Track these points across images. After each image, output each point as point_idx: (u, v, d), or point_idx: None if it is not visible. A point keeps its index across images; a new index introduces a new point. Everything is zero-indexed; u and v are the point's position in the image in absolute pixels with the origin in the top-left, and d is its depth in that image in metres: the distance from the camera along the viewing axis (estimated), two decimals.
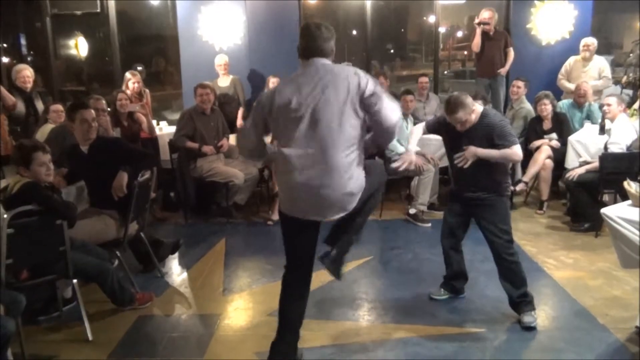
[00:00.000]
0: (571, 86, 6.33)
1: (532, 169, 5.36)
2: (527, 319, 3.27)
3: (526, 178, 5.32)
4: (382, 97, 2.51)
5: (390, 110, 2.52)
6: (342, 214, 2.63)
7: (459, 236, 3.61)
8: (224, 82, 6.63)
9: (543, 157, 5.38)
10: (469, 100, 3.26)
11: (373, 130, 2.64)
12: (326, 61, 2.60)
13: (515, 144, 3.25)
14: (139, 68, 7.03)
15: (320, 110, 2.48)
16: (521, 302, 3.33)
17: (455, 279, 3.69)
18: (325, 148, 2.49)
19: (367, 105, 2.51)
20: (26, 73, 5.49)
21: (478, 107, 3.35)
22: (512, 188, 5.15)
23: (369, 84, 2.51)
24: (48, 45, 7.77)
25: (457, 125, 3.31)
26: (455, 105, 3.24)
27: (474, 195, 3.37)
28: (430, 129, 3.67)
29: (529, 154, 5.80)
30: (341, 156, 2.51)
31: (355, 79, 2.51)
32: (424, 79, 6.73)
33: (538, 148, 5.50)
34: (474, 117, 3.29)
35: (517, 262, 3.35)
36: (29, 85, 5.52)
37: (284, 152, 2.56)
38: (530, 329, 3.24)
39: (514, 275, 3.33)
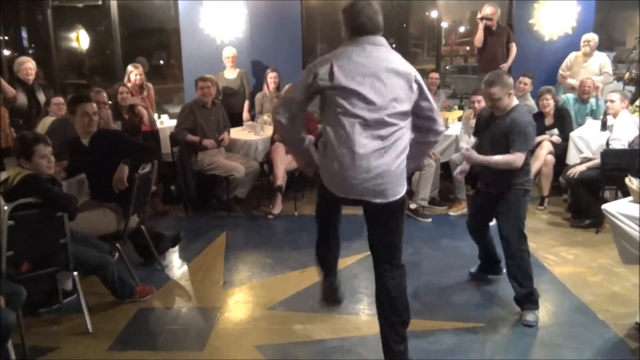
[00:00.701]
0: (571, 81, 6.31)
1: (535, 165, 5.34)
2: (529, 317, 3.28)
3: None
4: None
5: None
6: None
7: (482, 221, 3.68)
8: (230, 74, 6.62)
9: (544, 153, 5.37)
10: (509, 80, 3.26)
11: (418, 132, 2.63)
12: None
13: (520, 152, 3.23)
14: (141, 59, 7.00)
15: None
16: (527, 300, 3.33)
17: (487, 260, 3.78)
18: None
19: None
20: (28, 65, 5.49)
21: (515, 100, 3.33)
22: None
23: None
24: (49, 38, 7.76)
25: (487, 101, 3.31)
26: (495, 78, 3.23)
27: (490, 190, 3.46)
28: (475, 133, 3.70)
29: (532, 150, 5.79)
30: None
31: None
32: (435, 75, 6.67)
33: (539, 144, 5.49)
34: (505, 102, 3.25)
35: (527, 260, 3.35)
36: (31, 78, 5.52)
37: None
38: (530, 327, 3.24)
39: (523, 273, 3.33)
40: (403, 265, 2.73)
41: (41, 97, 5.55)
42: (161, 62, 9.80)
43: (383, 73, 2.44)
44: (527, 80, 6.01)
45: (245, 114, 6.60)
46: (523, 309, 3.34)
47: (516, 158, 3.23)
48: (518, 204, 3.37)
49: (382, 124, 2.44)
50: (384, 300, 2.71)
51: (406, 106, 2.49)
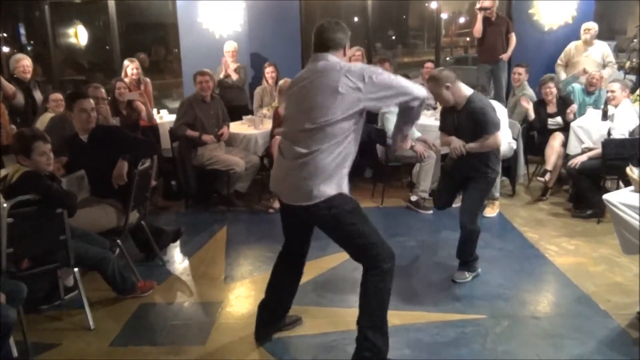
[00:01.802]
0: (563, 76, 6.31)
1: (552, 157, 5.32)
2: (457, 274, 3.73)
3: (549, 166, 5.31)
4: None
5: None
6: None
7: (447, 202, 3.98)
8: (222, 69, 6.58)
9: (558, 144, 5.35)
10: (446, 75, 3.51)
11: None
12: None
13: (494, 133, 3.52)
14: (141, 55, 6.98)
15: None
16: (465, 263, 3.75)
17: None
18: None
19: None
20: (25, 63, 5.45)
21: (465, 91, 3.56)
22: (541, 179, 5.25)
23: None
24: (47, 34, 7.74)
25: (438, 100, 3.65)
26: (429, 77, 3.59)
27: (463, 175, 3.73)
28: (441, 127, 3.90)
29: (534, 139, 5.78)
30: None
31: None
32: (430, 65, 6.69)
33: (552, 134, 5.45)
34: (454, 96, 3.53)
35: (477, 236, 3.68)
36: (29, 75, 5.49)
37: None
38: (457, 284, 3.67)
39: (471, 245, 3.70)
40: (379, 268, 2.65)
41: (37, 95, 5.52)
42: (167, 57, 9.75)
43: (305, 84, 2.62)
44: (521, 70, 5.99)
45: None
46: (459, 269, 3.75)
47: (495, 139, 3.54)
48: (487, 189, 3.75)
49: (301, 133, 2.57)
50: (359, 301, 2.73)
51: (331, 114, 2.49)
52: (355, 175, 4.99)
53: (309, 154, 2.53)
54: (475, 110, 3.50)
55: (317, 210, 2.56)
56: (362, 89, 2.48)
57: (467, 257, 3.74)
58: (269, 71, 6.43)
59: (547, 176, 5.28)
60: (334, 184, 2.55)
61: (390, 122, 5.28)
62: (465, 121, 3.56)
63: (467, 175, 3.69)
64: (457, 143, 3.63)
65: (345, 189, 2.61)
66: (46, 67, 8.03)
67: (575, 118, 5.47)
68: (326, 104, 2.48)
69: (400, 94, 2.56)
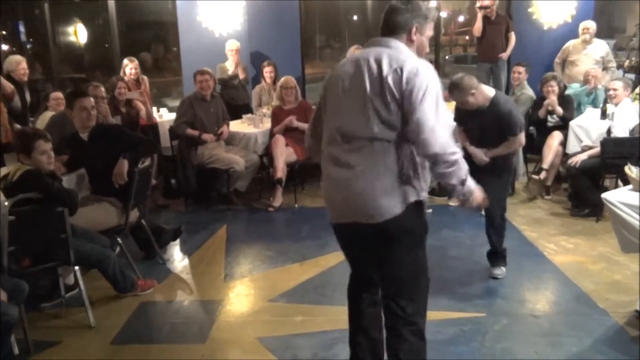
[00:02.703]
0: (560, 74, 6.33)
1: (550, 156, 5.33)
2: (496, 271, 3.74)
3: (545, 165, 5.32)
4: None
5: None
6: None
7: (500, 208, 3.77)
8: (232, 66, 6.59)
9: (556, 143, 5.36)
10: (468, 82, 3.45)
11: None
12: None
13: (520, 134, 3.53)
14: (144, 54, 6.97)
15: None
16: (499, 257, 3.76)
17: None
18: None
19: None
20: (24, 65, 5.40)
21: (488, 92, 3.52)
22: (535, 177, 5.27)
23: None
24: (47, 32, 7.75)
25: (463, 104, 3.52)
26: (452, 87, 3.50)
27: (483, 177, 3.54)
28: (457, 120, 3.85)
29: (534, 138, 5.79)
30: None
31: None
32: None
33: (550, 133, 5.46)
34: (479, 100, 3.49)
35: (504, 227, 3.73)
36: (26, 78, 5.44)
37: None
38: (496, 279, 3.69)
39: (500, 237, 3.72)
40: (420, 332, 2.25)
41: (28, 97, 5.49)
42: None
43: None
44: (521, 69, 5.99)
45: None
46: (493, 265, 3.76)
47: (519, 140, 3.57)
48: (508, 180, 3.83)
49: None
50: None
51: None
52: None
53: None
54: (502, 113, 3.47)
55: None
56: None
57: (500, 248, 3.75)
58: (267, 71, 6.44)
59: (543, 174, 5.29)
60: None
61: None
62: (491, 123, 3.52)
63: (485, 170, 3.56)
64: (479, 156, 3.60)
65: None
66: (45, 65, 8.03)
67: (570, 112, 5.49)
68: None
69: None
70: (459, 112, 3.81)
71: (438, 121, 1.99)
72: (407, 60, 2.05)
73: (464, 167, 2.07)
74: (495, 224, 3.66)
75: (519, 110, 3.60)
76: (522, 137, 3.57)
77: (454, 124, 3.88)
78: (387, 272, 2.26)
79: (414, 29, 2.16)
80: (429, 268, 2.30)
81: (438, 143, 1.98)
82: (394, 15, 2.17)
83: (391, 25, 2.18)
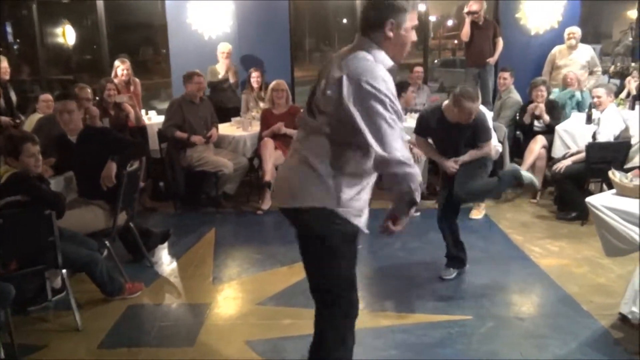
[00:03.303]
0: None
1: (529, 159, 5.40)
2: (445, 272, 3.83)
3: (524, 168, 5.36)
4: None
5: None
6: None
7: (453, 216, 3.89)
8: (222, 69, 6.58)
9: (538, 147, 5.42)
10: (476, 91, 3.60)
11: None
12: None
13: (490, 139, 3.72)
14: (144, 48, 6.94)
15: None
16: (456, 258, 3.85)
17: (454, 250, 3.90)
18: None
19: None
20: (5, 64, 5.38)
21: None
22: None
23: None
24: (35, 33, 7.68)
25: (466, 115, 3.54)
26: (470, 95, 3.48)
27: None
28: (422, 133, 3.88)
29: (520, 142, 5.85)
30: None
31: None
32: (419, 69, 6.73)
33: (534, 137, 5.52)
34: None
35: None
36: (7, 77, 5.42)
37: None
38: (443, 284, 3.74)
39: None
40: (338, 328, 2.32)
41: (13, 97, 5.45)
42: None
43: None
44: (506, 74, 6.05)
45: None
46: (447, 265, 3.84)
47: (489, 146, 3.77)
48: (485, 170, 3.84)
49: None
50: None
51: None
52: None
53: None
54: (479, 123, 3.60)
55: None
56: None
57: (458, 252, 3.82)
58: (254, 76, 6.46)
59: None
60: None
61: None
62: (464, 131, 3.64)
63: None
64: (448, 164, 3.72)
65: None
66: (33, 66, 7.97)
67: (556, 117, 5.55)
68: None
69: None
70: (425, 123, 3.80)
71: (388, 144, 1.94)
72: (356, 68, 1.98)
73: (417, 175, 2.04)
74: (456, 201, 3.74)
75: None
76: (491, 144, 3.74)
77: (408, 137, 3.95)
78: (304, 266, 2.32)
79: (388, 25, 2.05)
80: (354, 282, 2.30)
81: (381, 165, 2.00)
82: (366, 11, 2.10)
83: (365, 23, 2.09)
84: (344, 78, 1.95)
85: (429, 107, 4.03)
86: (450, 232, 3.85)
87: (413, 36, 2.13)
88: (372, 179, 2.20)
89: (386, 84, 1.96)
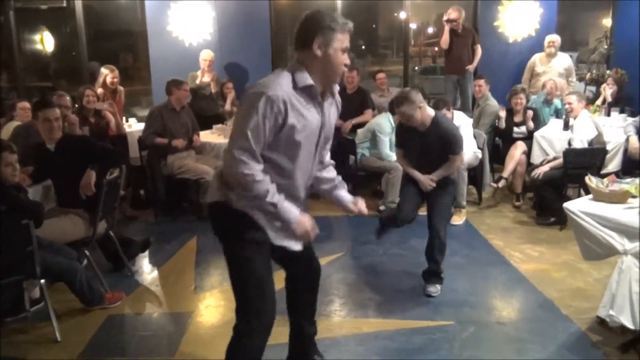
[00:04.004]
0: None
1: (510, 165, 5.46)
2: (431, 289, 3.69)
3: (505, 174, 5.44)
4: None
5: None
6: None
7: (414, 212, 3.90)
8: (205, 77, 6.55)
9: (519, 153, 5.49)
10: (415, 97, 3.51)
11: None
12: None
13: (461, 152, 3.66)
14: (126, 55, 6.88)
15: None
16: (434, 275, 3.73)
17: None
18: None
19: None
20: None
21: (430, 111, 3.62)
22: (493, 185, 5.37)
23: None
24: (12, 40, 7.58)
25: (403, 119, 3.59)
26: (400, 99, 3.53)
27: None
28: (400, 145, 3.94)
29: (500, 148, 5.93)
30: None
31: None
32: (381, 75, 6.89)
33: (514, 143, 5.58)
34: (424, 116, 3.57)
35: (445, 244, 3.69)
36: None
37: None
38: (431, 297, 3.65)
39: (441, 254, 3.68)
40: (237, 330, 2.39)
41: None
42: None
43: None
44: (481, 82, 6.13)
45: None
46: (427, 282, 3.72)
47: (460, 158, 3.72)
48: (453, 192, 3.88)
49: None
50: None
51: None
52: None
53: None
54: (444, 132, 3.58)
55: None
56: None
57: (438, 267, 3.71)
58: (228, 87, 6.47)
59: (502, 183, 5.41)
60: None
61: (382, 142, 5.34)
62: (434, 143, 3.62)
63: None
64: (425, 182, 3.71)
65: None
66: (10, 73, 7.86)
67: (535, 124, 5.63)
68: None
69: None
70: (401, 135, 3.87)
71: (234, 140, 2.09)
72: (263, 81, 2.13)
73: (257, 190, 2.10)
74: (440, 236, 3.61)
75: (457, 129, 3.74)
76: (463, 156, 3.73)
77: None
78: None
79: (316, 43, 2.10)
80: (262, 285, 2.34)
81: (226, 161, 2.14)
82: (297, 30, 2.16)
83: (296, 42, 2.17)
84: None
85: None
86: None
87: (344, 59, 2.17)
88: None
89: (271, 98, 2.04)
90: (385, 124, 5.37)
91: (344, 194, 2.53)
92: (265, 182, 2.10)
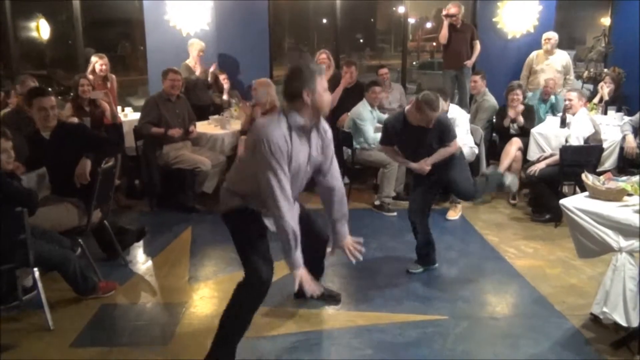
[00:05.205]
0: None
1: (506, 161, 5.47)
2: (412, 266, 3.99)
3: (500, 170, 5.43)
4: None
5: None
6: None
7: (427, 209, 4.01)
8: (193, 63, 6.51)
9: (514, 149, 5.50)
10: (444, 104, 3.80)
11: None
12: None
13: (455, 138, 3.82)
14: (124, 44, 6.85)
15: None
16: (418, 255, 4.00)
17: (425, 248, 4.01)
18: None
19: None
20: None
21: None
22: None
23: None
24: (7, 27, 7.51)
25: (427, 123, 3.65)
26: (436, 104, 3.58)
27: (432, 177, 3.89)
28: (386, 142, 4.00)
29: (496, 144, 5.93)
30: None
31: None
32: (384, 70, 6.81)
33: (509, 140, 5.59)
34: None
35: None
36: None
37: None
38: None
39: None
40: (243, 285, 2.86)
41: None
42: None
43: None
44: (477, 77, 6.10)
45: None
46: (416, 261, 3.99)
47: (456, 144, 3.86)
48: (463, 163, 4.03)
49: None
50: None
51: None
52: None
53: None
54: (439, 123, 3.70)
55: None
56: None
57: (420, 250, 4.01)
58: (222, 78, 6.45)
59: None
60: None
61: (364, 129, 5.34)
62: (433, 135, 3.75)
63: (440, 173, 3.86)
64: (420, 167, 3.83)
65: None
66: (5, 61, 7.79)
67: (531, 121, 5.64)
68: None
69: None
70: (391, 130, 3.87)
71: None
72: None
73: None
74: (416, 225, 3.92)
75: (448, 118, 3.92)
76: (456, 142, 3.85)
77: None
78: None
79: (305, 94, 2.54)
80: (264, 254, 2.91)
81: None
82: (286, 85, 2.58)
83: (286, 95, 2.59)
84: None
85: (392, 114, 4.13)
86: (422, 230, 3.95)
87: (327, 97, 2.64)
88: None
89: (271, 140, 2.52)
90: (364, 111, 5.41)
91: (341, 229, 3.13)
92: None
